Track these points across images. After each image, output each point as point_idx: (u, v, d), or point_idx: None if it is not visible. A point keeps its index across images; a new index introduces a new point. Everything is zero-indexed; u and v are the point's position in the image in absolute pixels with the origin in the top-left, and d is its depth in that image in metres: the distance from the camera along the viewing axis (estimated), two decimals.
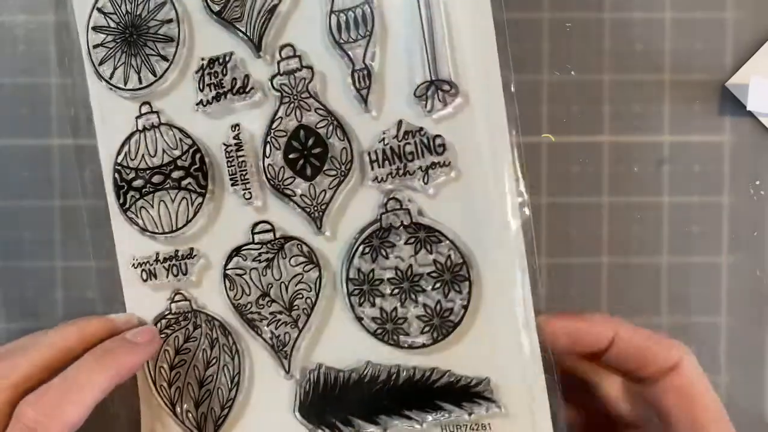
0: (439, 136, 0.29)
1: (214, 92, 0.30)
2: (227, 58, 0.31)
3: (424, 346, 0.29)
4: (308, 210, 0.30)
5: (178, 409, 0.31)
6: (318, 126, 0.30)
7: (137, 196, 0.31)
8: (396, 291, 0.29)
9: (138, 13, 0.31)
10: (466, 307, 0.28)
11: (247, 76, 0.30)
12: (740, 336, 0.31)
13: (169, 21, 0.31)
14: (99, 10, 0.31)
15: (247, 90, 0.30)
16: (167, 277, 0.31)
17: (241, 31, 0.30)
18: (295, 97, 0.30)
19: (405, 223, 0.29)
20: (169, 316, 0.31)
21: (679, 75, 0.31)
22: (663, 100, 0.31)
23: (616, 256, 0.31)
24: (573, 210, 0.31)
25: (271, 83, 0.30)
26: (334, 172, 0.30)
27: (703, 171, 0.31)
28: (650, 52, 0.31)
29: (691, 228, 0.31)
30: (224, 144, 0.31)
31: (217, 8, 0.30)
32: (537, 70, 0.31)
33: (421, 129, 0.29)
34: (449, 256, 0.29)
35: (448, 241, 0.29)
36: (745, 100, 0.30)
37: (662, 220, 0.31)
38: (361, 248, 0.30)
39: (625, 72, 0.31)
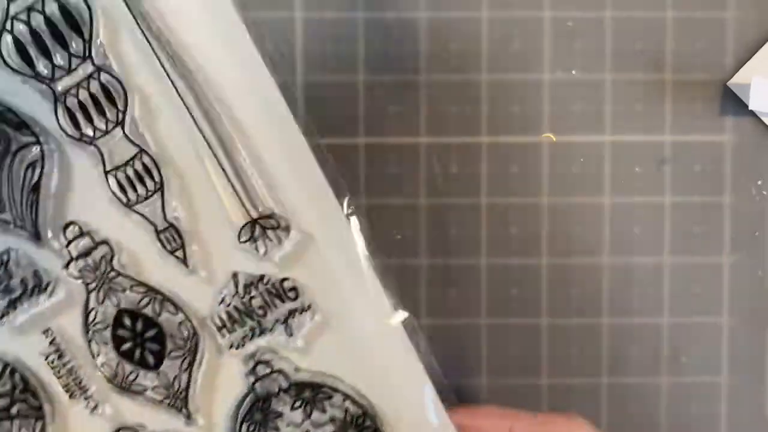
0: (286, 279, 0.26)
1: (5, 301, 0.27)
2: (5, 257, 0.27)
3: None
4: (168, 402, 0.27)
5: None
6: (141, 305, 0.27)
7: None
8: None
9: None
10: None
11: (36, 272, 0.27)
12: (742, 336, 0.31)
13: None
14: None
15: (44, 287, 0.27)
16: None
17: (5, 221, 0.27)
18: (102, 279, 0.27)
19: (284, 387, 0.27)
20: None
21: (680, 74, 0.31)
22: (664, 99, 0.31)
23: (617, 257, 0.31)
24: (574, 210, 0.31)
25: (68, 272, 0.27)
26: (180, 352, 0.27)
27: (705, 171, 0.31)
28: (651, 52, 0.31)
29: (692, 228, 0.31)
30: (42, 355, 0.27)
31: None
32: (538, 70, 0.31)
33: (263, 276, 0.26)
34: (347, 409, 0.26)
35: (339, 394, 0.26)
36: (746, 100, 0.30)
37: (663, 220, 0.31)
38: (245, 429, 0.27)
39: (626, 71, 0.31)
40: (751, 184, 0.31)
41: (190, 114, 0.27)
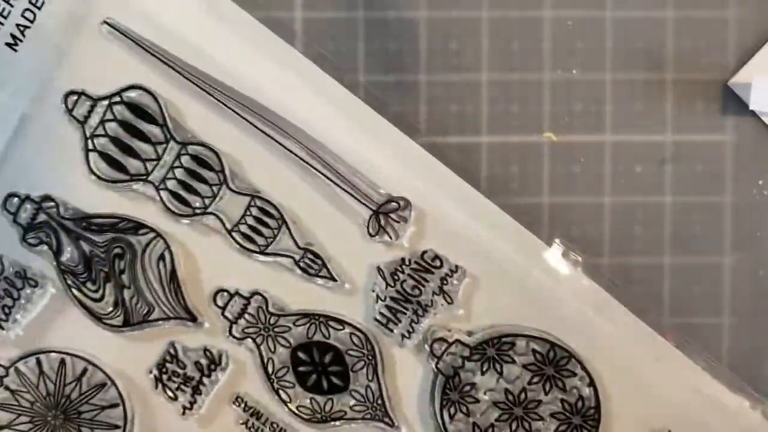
0: (425, 251, 0.27)
1: (189, 391, 0.28)
2: (172, 351, 0.28)
3: None
4: (369, 415, 0.28)
5: None
6: (311, 335, 0.28)
7: None
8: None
9: (66, 394, 0.28)
10: None
11: (205, 351, 0.28)
12: (743, 337, 0.31)
13: (84, 372, 0.28)
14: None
15: (218, 361, 0.28)
16: None
17: (158, 320, 0.28)
18: (266, 329, 0.28)
19: (465, 355, 0.27)
20: None
21: (681, 74, 0.31)
22: (665, 99, 0.31)
23: (618, 257, 0.31)
24: (574, 210, 0.31)
25: (233, 337, 0.28)
26: (361, 364, 0.28)
27: (706, 170, 0.31)
28: (652, 51, 0.31)
29: (693, 228, 0.31)
30: (241, 423, 0.28)
31: (119, 322, 0.28)
32: (538, 69, 0.31)
33: (403, 259, 0.27)
34: (533, 350, 0.26)
35: (520, 338, 0.26)
36: (747, 100, 0.30)
37: (664, 220, 0.31)
38: (446, 415, 0.27)
39: (626, 71, 0.31)
40: (752, 183, 0.31)
41: (282, 146, 0.28)
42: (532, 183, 0.31)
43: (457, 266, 0.27)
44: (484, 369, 0.27)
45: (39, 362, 0.29)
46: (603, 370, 0.27)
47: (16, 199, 0.29)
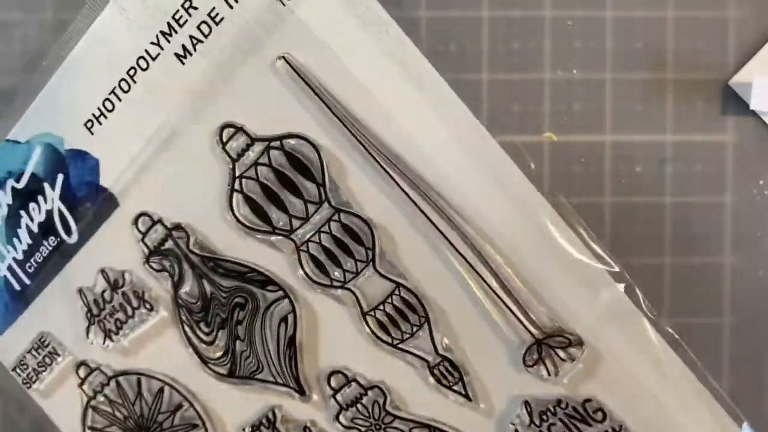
0: (588, 400, 0.24)
1: None
2: (271, 416, 0.27)
3: None
4: None
5: None
6: None
7: None
8: None
9: (159, 421, 0.28)
10: None
11: (305, 428, 0.27)
12: (743, 337, 0.31)
13: (179, 407, 0.28)
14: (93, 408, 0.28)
15: None
16: None
17: (268, 381, 0.27)
18: (377, 425, 0.26)
19: None
20: None
21: (681, 74, 0.31)
22: (665, 99, 0.31)
23: (618, 257, 0.31)
24: (574, 210, 0.31)
25: (339, 423, 0.26)
26: None
27: (706, 170, 0.31)
28: (652, 51, 0.31)
29: (693, 228, 0.31)
30: None
31: (225, 371, 0.27)
32: (538, 69, 0.31)
33: (560, 401, 0.24)
34: None
35: None
36: (748, 99, 0.30)
37: (664, 220, 0.31)
38: None
39: (626, 71, 0.31)
40: (752, 184, 0.31)
41: (445, 237, 0.25)
42: (533, 183, 0.31)
43: (621, 426, 0.24)
44: None
45: (139, 382, 0.28)
46: None
47: (147, 219, 0.28)
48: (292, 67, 0.26)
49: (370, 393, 0.26)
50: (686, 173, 0.31)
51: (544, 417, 0.24)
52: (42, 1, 0.32)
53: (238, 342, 0.27)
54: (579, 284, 0.25)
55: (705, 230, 0.31)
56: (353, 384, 0.26)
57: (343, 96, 0.26)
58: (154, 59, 0.27)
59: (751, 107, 0.30)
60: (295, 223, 0.26)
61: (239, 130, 0.26)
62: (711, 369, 0.30)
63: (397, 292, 0.26)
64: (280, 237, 0.27)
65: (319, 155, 0.26)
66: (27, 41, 0.32)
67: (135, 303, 0.28)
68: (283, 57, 0.26)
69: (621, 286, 0.25)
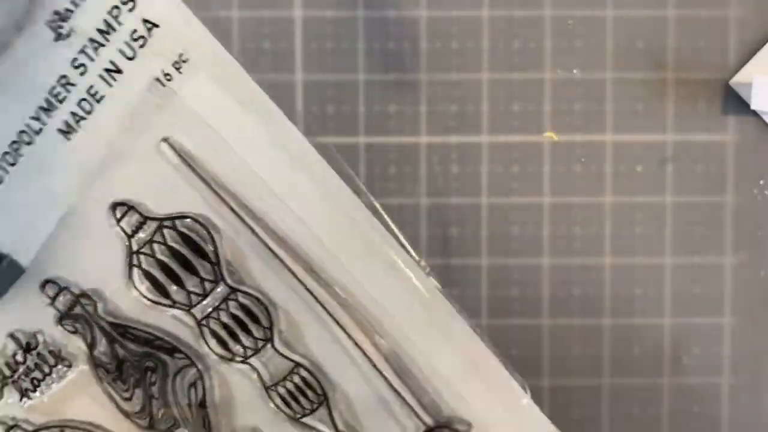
0: None
1: None
2: None
3: None
4: None
5: None
6: None
7: None
8: None
9: None
10: None
11: None
12: (744, 337, 0.31)
13: None
14: None
15: None
16: None
17: None
18: None
19: None
20: None
21: (681, 73, 0.31)
22: (666, 98, 0.31)
23: (619, 257, 0.31)
24: (575, 210, 0.31)
25: None
26: None
27: (707, 170, 0.31)
28: (653, 51, 0.31)
29: (694, 228, 0.31)
30: None
31: (145, 424, 0.28)
32: (539, 69, 0.31)
33: None
34: None
35: None
36: (748, 99, 0.30)
37: (665, 220, 0.31)
38: None
39: (627, 70, 0.31)
40: (753, 183, 0.31)
41: (338, 324, 0.26)
42: (533, 182, 0.31)
43: None
44: None
45: None
46: None
47: (54, 285, 0.28)
48: (175, 150, 0.26)
49: None
50: (687, 173, 0.31)
51: None
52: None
53: (153, 400, 0.28)
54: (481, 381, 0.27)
55: (705, 230, 0.31)
56: None
57: (230, 179, 0.27)
58: (37, 133, 0.27)
59: (752, 107, 0.30)
60: (194, 299, 0.27)
61: (131, 208, 0.27)
62: (711, 368, 0.30)
63: (296, 371, 0.27)
64: (181, 311, 0.27)
65: (210, 235, 0.27)
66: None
67: (52, 361, 0.28)
68: (166, 140, 0.26)
69: None
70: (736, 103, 0.31)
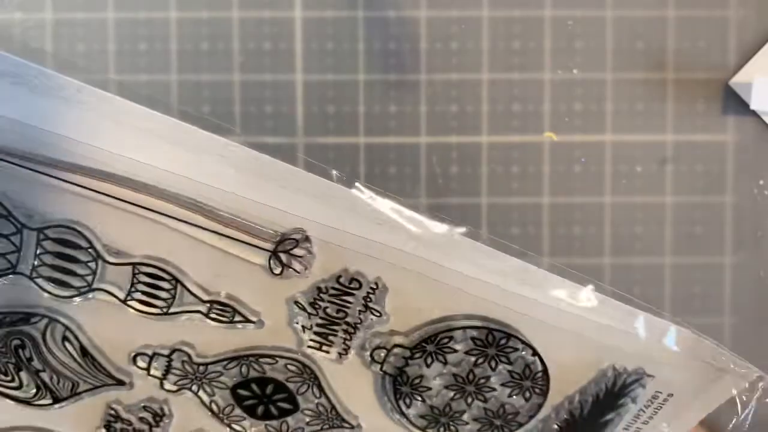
0: (338, 276, 0.26)
1: None
2: (113, 413, 0.28)
3: None
4: (328, 426, 0.28)
5: None
6: (246, 376, 0.27)
7: None
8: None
9: None
10: None
11: (147, 407, 0.28)
12: (744, 337, 0.31)
13: None
14: None
15: (162, 412, 0.28)
16: None
17: (89, 390, 0.27)
18: (198, 377, 0.28)
19: (407, 355, 0.27)
20: None
21: (681, 73, 0.31)
22: (665, 98, 0.31)
23: (619, 257, 0.31)
24: (575, 210, 0.31)
25: (167, 390, 0.28)
26: (305, 386, 0.27)
27: (707, 170, 0.31)
28: (652, 51, 0.31)
29: (694, 228, 0.31)
30: None
31: (49, 400, 0.28)
32: (539, 69, 0.31)
33: (319, 288, 0.26)
34: (472, 337, 0.26)
35: (457, 330, 0.26)
36: (748, 99, 0.30)
37: (665, 220, 0.31)
38: (403, 405, 0.27)
39: (627, 70, 0.31)
40: (752, 183, 0.31)
41: (148, 209, 0.26)
42: (533, 182, 0.31)
43: (377, 283, 0.26)
44: (429, 362, 0.27)
45: None
46: (537, 334, 0.27)
47: None
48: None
49: (174, 357, 0.27)
50: (687, 173, 0.31)
51: (316, 306, 0.26)
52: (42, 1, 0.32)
53: (42, 374, 0.28)
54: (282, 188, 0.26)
55: (705, 230, 0.31)
56: (156, 357, 0.27)
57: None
58: None
59: (752, 107, 0.30)
60: (12, 258, 0.27)
61: None
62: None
63: (137, 272, 0.27)
64: (9, 276, 0.27)
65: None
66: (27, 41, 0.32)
67: None
68: None
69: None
70: (736, 103, 0.31)
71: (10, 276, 0.27)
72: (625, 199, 0.31)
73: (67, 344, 0.27)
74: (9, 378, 0.28)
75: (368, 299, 0.26)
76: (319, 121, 0.31)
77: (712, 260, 0.31)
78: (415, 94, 0.31)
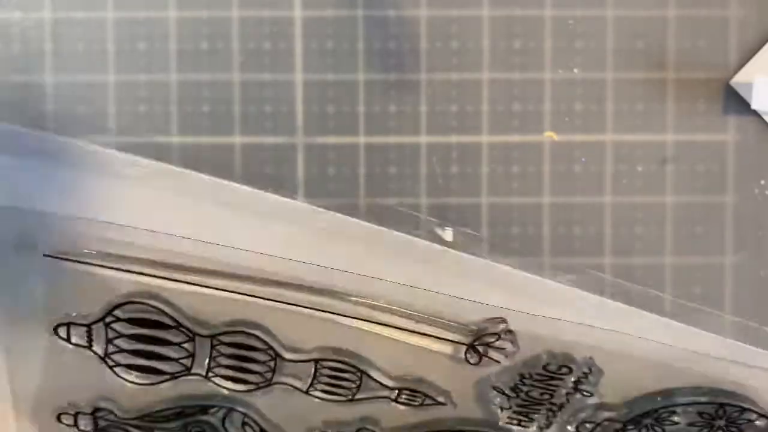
0: (548, 364, 0.25)
1: None
2: None
3: None
4: None
5: None
6: None
7: None
8: None
9: None
10: None
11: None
12: (745, 337, 0.31)
13: None
14: None
15: None
16: None
17: None
18: None
19: (617, 427, 0.25)
20: None
21: (682, 73, 0.31)
22: (666, 98, 0.31)
23: (619, 257, 0.31)
24: (575, 209, 0.31)
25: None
26: None
27: (707, 170, 0.31)
28: (653, 50, 0.31)
29: (694, 228, 0.31)
30: None
31: None
32: (539, 68, 0.31)
33: (522, 375, 0.26)
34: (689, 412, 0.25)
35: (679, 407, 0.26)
36: (749, 99, 0.30)
37: (665, 220, 0.31)
38: None
39: (627, 70, 0.31)
40: (753, 183, 0.31)
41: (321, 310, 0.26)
42: (534, 182, 0.31)
43: (590, 368, 0.25)
44: None
45: None
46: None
47: (68, 416, 0.27)
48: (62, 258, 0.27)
49: None
50: (687, 173, 0.31)
51: (517, 390, 0.25)
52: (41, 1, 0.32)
53: None
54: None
55: (706, 230, 0.31)
56: None
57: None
58: None
59: (753, 107, 0.30)
60: (187, 362, 0.27)
61: (69, 324, 0.27)
62: None
63: (320, 367, 0.27)
64: (184, 377, 0.27)
65: (151, 306, 0.27)
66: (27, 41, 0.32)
67: None
68: (48, 255, 0.27)
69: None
70: (736, 103, 0.31)
71: (185, 377, 0.27)
72: (625, 198, 0.31)
73: (247, 428, 0.28)
74: None
75: (580, 383, 0.26)
76: (319, 120, 0.31)
77: (712, 260, 0.31)
78: (415, 93, 0.31)
